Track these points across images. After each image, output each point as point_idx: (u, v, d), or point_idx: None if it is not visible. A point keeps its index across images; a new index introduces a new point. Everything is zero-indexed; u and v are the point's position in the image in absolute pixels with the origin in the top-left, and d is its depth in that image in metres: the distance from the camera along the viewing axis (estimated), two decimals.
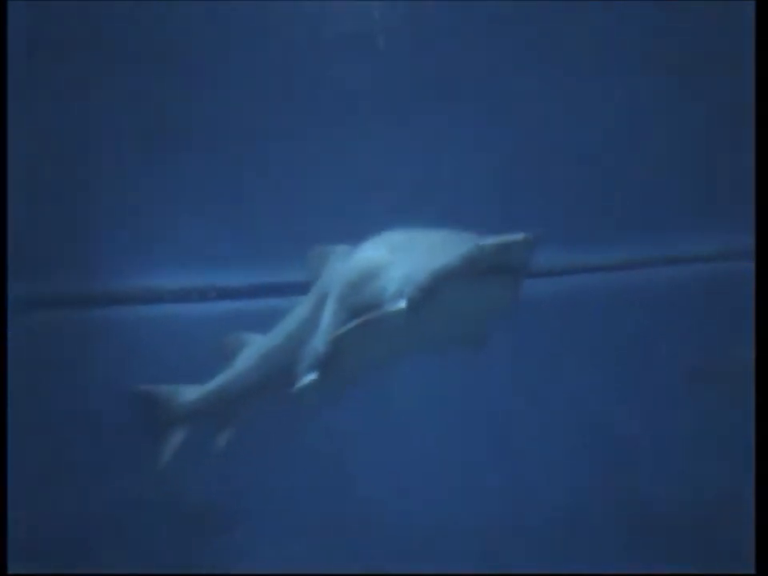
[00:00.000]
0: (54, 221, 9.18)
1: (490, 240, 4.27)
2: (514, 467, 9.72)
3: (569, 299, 10.34)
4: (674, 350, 10.18)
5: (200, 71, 7.85)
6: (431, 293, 4.48)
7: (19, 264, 8.90)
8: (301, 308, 6.00)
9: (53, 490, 8.81)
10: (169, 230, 9.36)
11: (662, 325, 10.62)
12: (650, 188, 9.99)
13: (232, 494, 9.25)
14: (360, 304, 4.95)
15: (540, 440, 10.11)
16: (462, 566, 8.20)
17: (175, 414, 6.74)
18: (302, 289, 7.10)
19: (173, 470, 6.52)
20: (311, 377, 5.29)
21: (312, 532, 8.90)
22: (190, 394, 6.75)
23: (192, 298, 10.14)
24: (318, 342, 5.36)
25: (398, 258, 4.94)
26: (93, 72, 7.54)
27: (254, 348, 6.50)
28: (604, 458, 9.67)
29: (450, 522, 8.90)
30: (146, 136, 8.52)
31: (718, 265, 10.86)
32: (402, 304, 4.60)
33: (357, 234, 5.48)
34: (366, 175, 9.06)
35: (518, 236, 4.20)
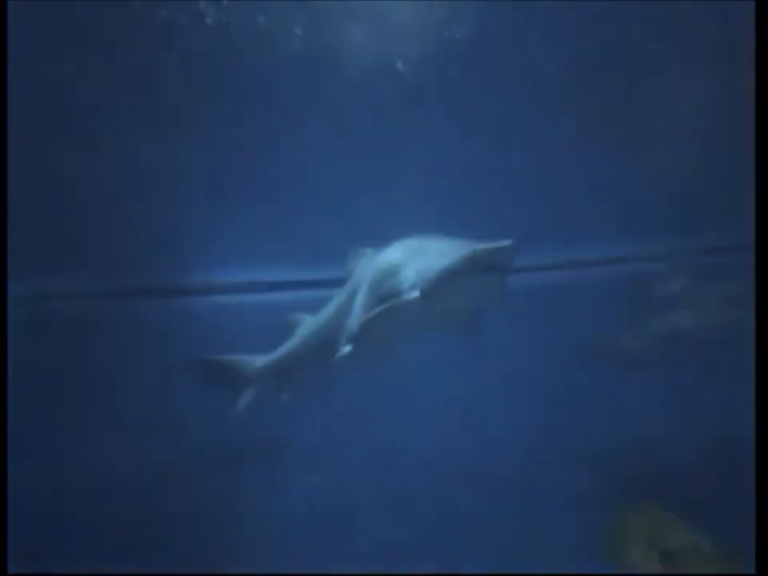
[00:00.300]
0: (149, 227, 10.19)
1: (484, 246, 5.19)
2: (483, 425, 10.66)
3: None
4: (581, 332, 10.98)
5: (254, 96, 8.47)
6: (438, 285, 5.43)
7: (119, 260, 10.63)
8: (338, 297, 7.06)
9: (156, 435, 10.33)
10: (232, 234, 10.40)
11: (575, 313, 11.61)
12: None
13: (286, 434, 10.55)
14: (383, 294, 5.90)
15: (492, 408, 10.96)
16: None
17: (249, 375, 7.87)
18: (331, 283, 8.57)
19: (244, 415, 7.70)
20: (347, 348, 6.28)
21: (341, 461, 10.03)
22: (259, 360, 7.93)
23: (245, 290, 11.48)
24: (352, 323, 6.38)
25: (412, 260, 5.85)
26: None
27: (305, 326, 7.67)
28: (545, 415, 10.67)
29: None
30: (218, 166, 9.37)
31: (625, 267, 11.83)
32: (416, 294, 5.56)
33: (382, 240, 6.46)
34: (392, 194, 9.96)
35: (506, 243, 5.15)
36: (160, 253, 10.57)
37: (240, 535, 8.72)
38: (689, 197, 10.06)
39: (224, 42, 7.58)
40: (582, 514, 7.57)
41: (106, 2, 6.98)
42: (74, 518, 9.48)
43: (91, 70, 7.76)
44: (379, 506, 9.01)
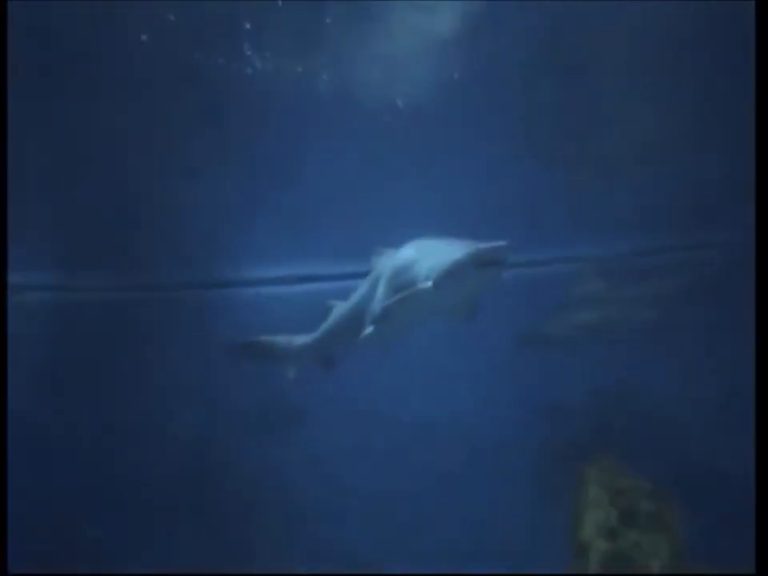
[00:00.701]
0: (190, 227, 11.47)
1: (485, 245, 6.04)
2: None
3: None
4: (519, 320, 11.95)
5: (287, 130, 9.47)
6: (448, 277, 6.28)
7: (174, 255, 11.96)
8: (362, 287, 8.00)
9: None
10: (262, 234, 11.69)
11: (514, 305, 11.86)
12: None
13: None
14: (401, 284, 6.83)
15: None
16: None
17: (292, 350, 9.11)
18: (348, 277, 10.09)
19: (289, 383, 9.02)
20: (370, 330, 7.34)
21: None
22: (299, 340, 9.12)
23: (276, 282, 12.97)
24: (375, 308, 7.35)
25: (424, 257, 6.70)
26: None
27: (336, 311, 8.69)
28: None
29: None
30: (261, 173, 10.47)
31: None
32: (429, 284, 6.42)
33: (391, 239, 7.51)
34: (409, 201, 10.98)
35: (503, 243, 6.00)
36: (200, 250, 11.93)
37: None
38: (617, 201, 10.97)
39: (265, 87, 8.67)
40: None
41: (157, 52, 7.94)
42: (127, 474, 11.00)
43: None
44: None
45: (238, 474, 11.35)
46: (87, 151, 9.74)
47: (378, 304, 7.36)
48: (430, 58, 8.41)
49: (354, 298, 8.21)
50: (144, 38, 7.69)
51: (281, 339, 9.29)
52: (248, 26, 7.83)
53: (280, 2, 7.45)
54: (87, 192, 10.71)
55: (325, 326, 8.87)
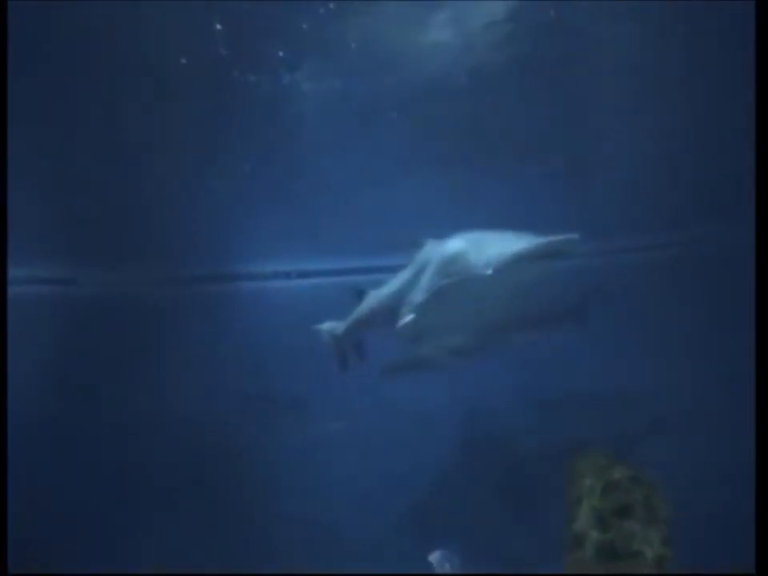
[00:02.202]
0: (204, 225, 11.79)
1: (553, 237, 6.11)
2: None
3: None
4: None
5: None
6: (511, 265, 6.32)
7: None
8: (403, 274, 8.01)
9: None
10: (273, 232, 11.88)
11: None
12: None
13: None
14: (453, 272, 6.83)
15: None
16: None
17: (333, 336, 9.30)
18: (356, 272, 10.75)
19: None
20: (410, 317, 7.39)
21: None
22: (339, 325, 9.23)
23: (280, 277, 13.16)
24: (416, 296, 7.38)
25: (479, 246, 6.70)
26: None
27: (372, 297, 8.70)
28: None
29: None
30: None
31: None
32: (489, 270, 6.43)
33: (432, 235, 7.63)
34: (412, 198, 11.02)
35: (574, 235, 6.04)
36: (212, 246, 12.22)
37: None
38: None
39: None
40: None
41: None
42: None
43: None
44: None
45: (241, 462, 11.62)
46: (95, 144, 9.87)
47: (421, 292, 7.38)
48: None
49: (394, 284, 8.24)
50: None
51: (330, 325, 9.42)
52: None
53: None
54: (93, 185, 10.87)
55: (358, 312, 8.92)
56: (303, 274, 13.03)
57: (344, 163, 10.47)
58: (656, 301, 10.86)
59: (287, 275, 13.15)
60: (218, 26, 7.70)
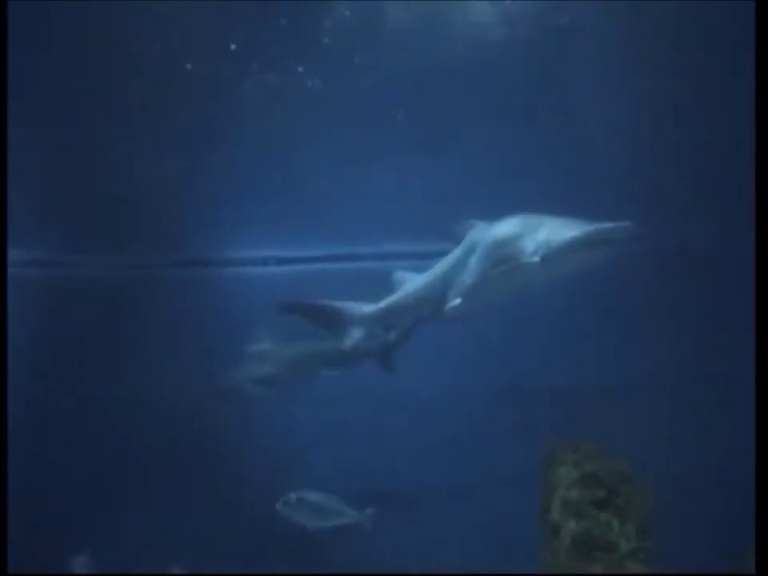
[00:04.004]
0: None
1: (605, 224, 5.96)
2: None
3: None
4: None
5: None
6: (560, 253, 6.16)
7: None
8: (450, 257, 7.73)
9: None
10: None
11: None
12: None
13: None
14: (503, 257, 6.66)
15: None
16: None
17: (354, 318, 8.75)
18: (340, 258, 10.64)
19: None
20: (458, 300, 7.25)
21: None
22: (367, 307, 8.70)
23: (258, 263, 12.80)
24: (466, 279, 7.23)
25: (530, 232, 6.51)
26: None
27: (413, 282, 8.32)
28: None
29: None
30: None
31: None
32: (537, 258, 6.28)
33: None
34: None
35: (625, 223, 5.88)
36: (201, 230, 12.04)
37: None
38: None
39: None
40: None
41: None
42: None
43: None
44: None
45: (219, 446, 11.52)
46: (77, 129, 9.79)
47: (469, 275, 7.24)
48: None
49: (440, 268, 7.97)
50: None
51: (340, 305, 8.94)
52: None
53: None
54: (73, 170, 10.73)
55: (398, 296, 8.57)
56: (282, 261, 12.74)
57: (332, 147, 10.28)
58: (639, 295, 10.66)
59: (265, 261, 12.82)
60: None
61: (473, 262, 7.23)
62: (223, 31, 8.66)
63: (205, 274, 12.88)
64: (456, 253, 7.69)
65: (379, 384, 10.62)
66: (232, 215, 11.66)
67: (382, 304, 8.60)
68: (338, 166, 10.51)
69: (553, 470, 7.39)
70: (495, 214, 7.24)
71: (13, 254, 10.76)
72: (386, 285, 9.58)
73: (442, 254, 7.96)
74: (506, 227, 6.96)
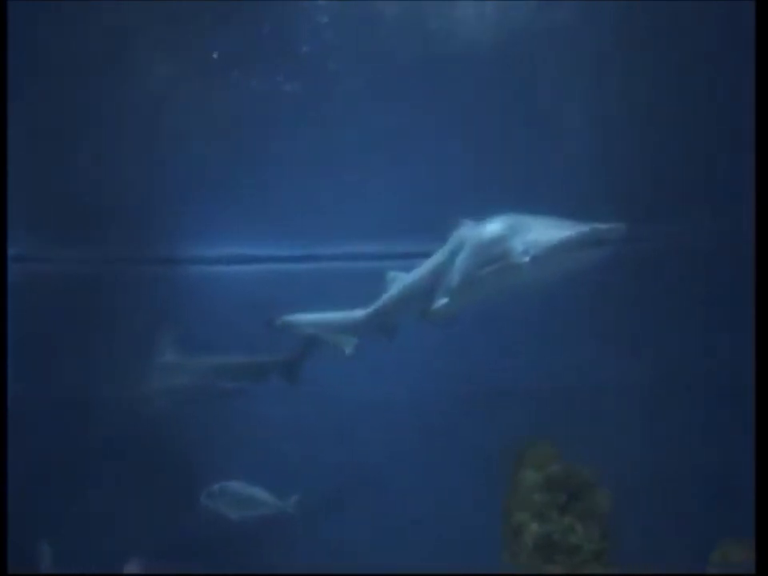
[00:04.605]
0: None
1: (600, 225, 5.80)
2: None
3: None
4: None
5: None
6: (550, 254, 6.00)
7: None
8: (437, 257, 7.55)
9: None
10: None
11: None
12: None
13: None
14: (490, 257, 6.49)
15: None
16: None
17: (351, 326, 8.68)
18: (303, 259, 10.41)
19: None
20: (444, 300, 7.09)
21: None
22: (358, 313, 8.62)
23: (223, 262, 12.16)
24: (452, 279, 7.03)
25: (519, 231, 6.35)
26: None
27: (400, 282, 8.21)
28: None
29: None
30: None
31: None
32: (527, 259, 6.11)
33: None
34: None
35: (620, 225, 5.76)
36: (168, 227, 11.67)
37: None
38: None
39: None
40: None
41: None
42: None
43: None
44: None
45: (183, 445, 11.15)
46: (44, 128, 9.75)
47: (456, 275, 7.04)
48: None
49: (426, 267, 7.82)
50: None
51: (333, 315, 8.93)
52: None
53: None
54: (40, 166, 10.43)
55: (389, 296, 8.42)
56: (246, 260, 12.30)
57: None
58: (624, 296, 10.52)
59: (228, 260, 12.46)
60: None
61: (461, 262, 7.08)
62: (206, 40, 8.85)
63: (169, 272, 12.49)
64: (443, 252, 7.55)
65: (347, 385, 10.59)
66: (200, 213, 11.36)
67: (372, 307, 8.54)
68: (308, 166, 10.41)
69: (516, 473, 7.44)
70: (477, 213, 7.18)
71: None
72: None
73: (413, 255, 7.95)
74: (495, 226, 6.79)
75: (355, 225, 10.49)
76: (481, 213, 7.06)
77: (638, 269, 9.73)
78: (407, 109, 9.51)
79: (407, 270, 8.31)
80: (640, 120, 9.46)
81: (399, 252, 9.79)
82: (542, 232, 6.22)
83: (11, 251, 11.80)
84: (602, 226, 5.82)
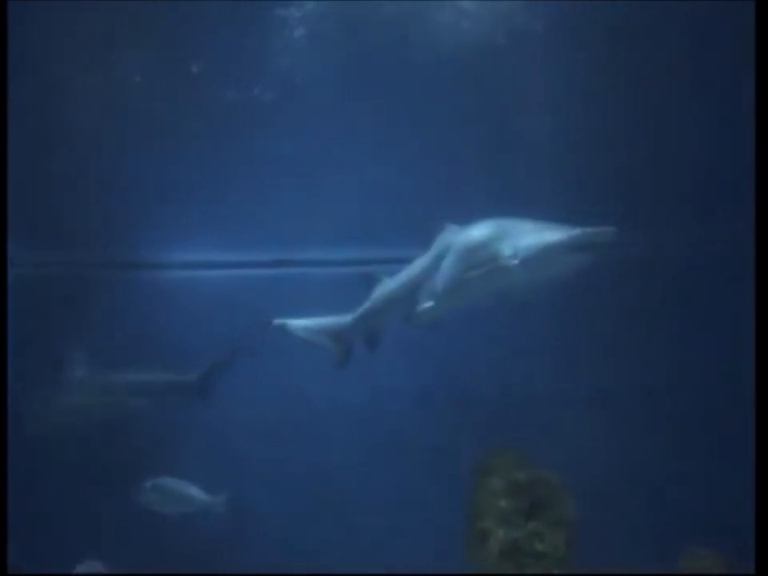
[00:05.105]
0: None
1: (587, 229, 5.74)
2: None
3: None
4: None
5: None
6: (539, 257, 5.98)
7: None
8: (422, 260, 7.54)
9: None
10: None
11: None
12: None
13: None
14: (479, 260, 6.48)
15: None
16: None
17: (337, 331, 8.60)
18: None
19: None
20: (430, 303, 7.10)
21: None
22: (346, 319, 8.55)
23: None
24: (438, 282, 7.05)
25: (507, 235, 6.33)
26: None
27: (385, 286, 8.20)
28: None
29: None
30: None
31: None
32: (516, 261, 6.09)
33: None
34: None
35: (610, 228, 5.67)
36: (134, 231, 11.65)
37: None
38: None
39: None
40: None
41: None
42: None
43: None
44: None
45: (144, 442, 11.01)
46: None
47: (442, 278, 7.04)
48: None
49: (411, 270, 7.78)
50: None
51: (325, 320, 8.79)
52: None
53: None
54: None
55: (374, 299, 8.37)
56: (213, 265, 12.37)
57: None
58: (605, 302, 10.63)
59: (195, 265, 12.42)
60: None
61: (448, 265, 7.05)
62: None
63: (133, 277, 12.37)
64: (428, 255, 7.53)
65: (311, 387, 10.71)
66: (165, 217, 11.38)
67: (357, 312, 8.49)
68: (279, 172, 10.41)
69: (481, 479, 7.38)
70: (456, 218, 7.21)
71: None
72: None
73: (386, 260, 7.92)
74: (482, 229, 6.77)
75: (329, 231, 10.66)
76: (460, 217, 7.11)
77: (619, 275, 9.89)
78: (381, 117, 9.55)
79: (388, 275, 8.32)
80: (632, 124, 9.43)
81: (372, 258, 10.02)
82: (530, 235, 6.18)
83: None
84: (591, 229, 5.77)
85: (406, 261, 7.96)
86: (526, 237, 6.20)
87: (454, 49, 8.58)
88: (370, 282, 8.42)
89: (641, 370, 10.52)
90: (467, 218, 7.07)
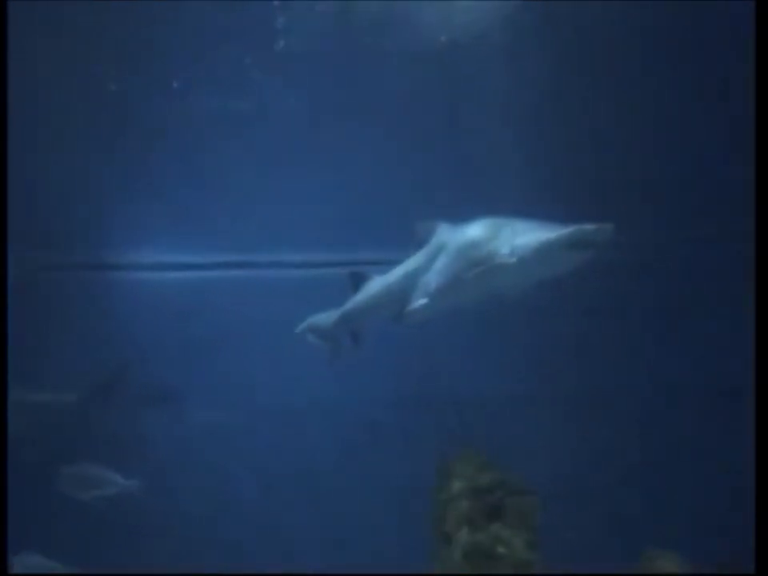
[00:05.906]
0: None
1: (584, 226, 5.64)
2: None
3: None
4: None
5: None
6: (537, 254, 5.86)
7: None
8: (415, 258, 7.41)
9: None
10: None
11: None
12: None
13: None
14: (476, 258, 6.34)
15: None
16: None
17: (323, 327, 8.65)
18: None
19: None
20: (423, 302, 6.98)
21: None
22: (331, 315, 8.53)
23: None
24: (433, 281, 6.92)
25: (504, 233, 6.24)
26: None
27: (375, 282, 8.03)
28: None
29: None
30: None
31: None
32: (514, 259, 5.98)
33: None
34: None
35: (607, 225, 5.58)
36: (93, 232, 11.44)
37: None
38: None
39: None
40: None
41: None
42: None
43: None
44: None
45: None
46: None
47: (439, 276, 6.89)
48: None
49: (403, 269, 7.61)
50: None
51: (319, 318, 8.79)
52: None
53: None
54: None
55: (361, 297, 8.24)
56: (175, 267, 12.09)
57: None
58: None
59: (158, 266, 12.18)
60: None
61: (443, 264, 6.94)
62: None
63: (95, 278, 12.11)
64: (421, 254, 7.40)
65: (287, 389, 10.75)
66: (128, 218, 11.16)
67: (343, 308, 8.43)
68: (242, 173, 10.30)
69: (445, 481, 7.33)
70: (429, 218, 7.21)
71: None
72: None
73: (354, 263, 7.81)
74: (478, 228, 6.65)
75: (291, 233, 10.51)
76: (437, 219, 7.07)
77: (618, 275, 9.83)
78: (350, 121, 9.44)
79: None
80: (631, 124, 9.35)
81: (339, 260, 9.89)
82: (527, 233, 6.09)
83: None
84: (589, 227, 5.67)
85: (378, 263, 7.99)
86: (523, 235, 6.10)
87: (432, 48, 8.48)
88: (357, 280, 8.29)
89: (640, 370, 10.60)
90: (447, 218, 7.04)
